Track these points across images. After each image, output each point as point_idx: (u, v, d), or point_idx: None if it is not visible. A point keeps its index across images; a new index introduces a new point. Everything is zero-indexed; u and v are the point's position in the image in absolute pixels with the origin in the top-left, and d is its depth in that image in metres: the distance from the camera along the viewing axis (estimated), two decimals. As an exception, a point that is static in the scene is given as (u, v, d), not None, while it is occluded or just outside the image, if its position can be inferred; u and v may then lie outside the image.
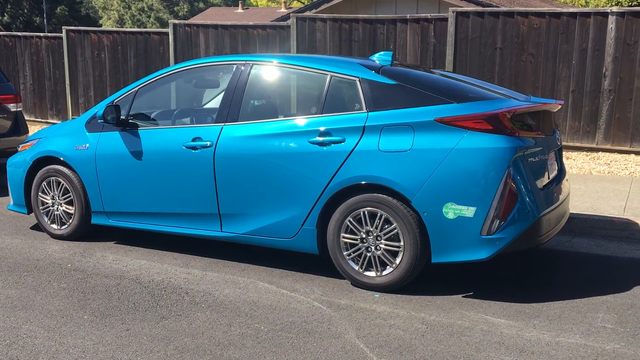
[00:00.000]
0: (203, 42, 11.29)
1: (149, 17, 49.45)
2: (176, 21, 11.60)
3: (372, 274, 4.30)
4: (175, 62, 11.52)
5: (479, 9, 9.16)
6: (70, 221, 5.56)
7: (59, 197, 5.58)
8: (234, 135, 4.70)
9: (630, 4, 24.10)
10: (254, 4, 50.90)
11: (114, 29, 12.58)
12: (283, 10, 37.95)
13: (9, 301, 4.19)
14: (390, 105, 4.26)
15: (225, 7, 42.94)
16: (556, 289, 4.39)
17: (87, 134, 5.40)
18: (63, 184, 5.53)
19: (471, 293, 4.28)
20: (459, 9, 9.09)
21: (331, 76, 4.52)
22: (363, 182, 4.23)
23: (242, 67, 4.86)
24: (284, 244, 4.62)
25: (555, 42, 8.62)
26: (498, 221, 3.96)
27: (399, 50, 9.58)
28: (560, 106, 4.69)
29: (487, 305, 4.05)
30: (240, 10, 38.87)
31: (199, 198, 4.87)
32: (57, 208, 5.62)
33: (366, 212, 4.26)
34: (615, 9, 8.31)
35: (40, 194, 5.68)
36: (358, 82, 4.41)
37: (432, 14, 9.46)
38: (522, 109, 4.14)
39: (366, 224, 4.27)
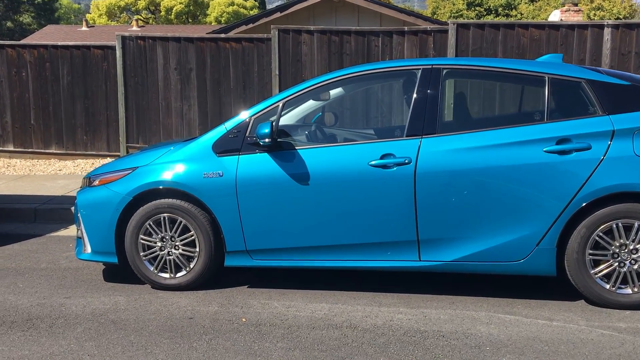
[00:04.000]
0: (161, 56, 10.09)
1: (-56, 38, 43.81)
2: (126, 33, 10.25)
3: (628, 290, 3.97)
4: (125, 80, 10.18)
5: (480, 21, 9.26)
6: (192, 266, 4.50)
7: (173, 238, 4.50)
8: (439, 149, 4.11)
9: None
10: (91, 22, 47.53)
11: (41, 42, 10.81)
12: (135, 28, 35.79)
13: (251, 375, 3.21)
14: (634, 107, 3.99)
15: (67, 25, 39.44)
16: None
17: (219, 158, 4.42)
18: (181, 222, 4.46)
19: None
20: (459, 21, 9.10)
21: (550, 78, 4.15)
22: (619, 191, 3.89)
23: (431, 73, 4.28)
24: (510, 268, 4.11)
25: (555, 52, 8.95)
26: None
27: (396, 63, 9.32)
28: None
29: None
30: (85, 28, 35.99)
31: (391, 224, 4.18)
32: (170, 252, 4.52)
33: (620, 224, 3.92)
34: (610, 21, 8.87)
35: (142, 236, 4.53)
36: (585, 84, 4.09)
37: (431, 26, 9.37)
38: None
39: (619, 237, 3.93)
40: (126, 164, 4.69)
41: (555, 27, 8.97)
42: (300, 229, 4.31)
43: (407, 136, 4.20)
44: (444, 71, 4.28)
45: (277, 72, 9.63)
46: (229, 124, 4.51)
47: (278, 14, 13.00)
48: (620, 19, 30.47)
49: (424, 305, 4.15)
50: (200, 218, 4.44)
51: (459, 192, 4.07)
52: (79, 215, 4.69)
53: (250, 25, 13.19)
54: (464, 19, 39.11)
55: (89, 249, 4.69)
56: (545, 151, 3.97)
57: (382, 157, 4.16)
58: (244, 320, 3.96)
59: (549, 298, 4.23)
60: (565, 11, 20.12)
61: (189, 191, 4.41)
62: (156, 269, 4.56)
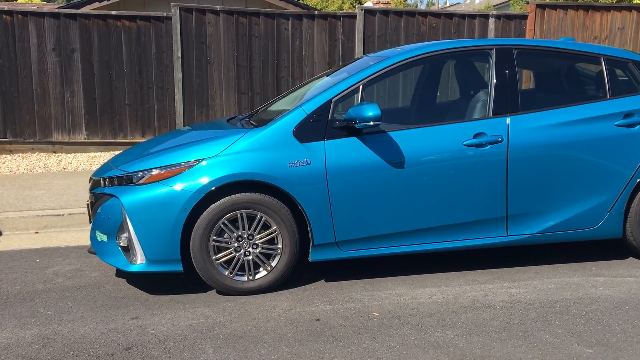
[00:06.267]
0: (35, 35, 8.65)
1: None
2: (-14, 7, 8.57)
3: (682, 244, 4.55)
4: (-14, 63, 8.55)
5: (385, 8, 9.51)
6: (275, 264, 4.08)
7: (251, 236, 4.02)
8: (527, 127, 4.27)
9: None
10: None
11: None
12: None
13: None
14: (673, 85, 4.57)
15: None
16: None
17: (303, 144, 4.05)
18: (262, 218, 4.01)
19: None
20: (367, 7, 9.28)
21: (605, 58, 4.54)
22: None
23: (505, 52, 4.39)
24: (585, 235, 4.44)
25: (450, 38, 9.64)
26: None
27: (306, 47, 9.22)
28: None
29: None
30: None
31: (483, 202, 4.25)
32: (248, 252, 4.04)
33: (675, 185, 4.46)
34: (494, 12, 9.80)
35: (213, 237, 3.98)
36: (632, 64, 4.57)
37: (340, 11, 9.41)
38: None
39: (675, 198, 4.48)
40: (183, 155, 4.04)
41: (449, 16, 9.65)
42: (393, 215, 4.16)
43: (493, 115, 4.28)
44: (515, 51, 4.43)
45: (180, 55, 8.90)
46: (308, 107, 4.14)
47: (138, -9, 11.93)
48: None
49: (519, 278, 4.30)
50: (283, 212, 4.02)
51: (544, 167, 4.28)
52: (127, 220, 3.93)
53: (105, 3, 11.89)
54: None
55: (141, 259, 3.97)
56: (616, 125, 4.37)
57: (475, 136, 4.19)
58: (376, 314, 3.72)
59: (603, 259, 4.66)
60: (377, 3, 21.61)
61: (273, 183, 3.97)
62: (231, 273, 4.04)
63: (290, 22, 9.15)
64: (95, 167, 8.16)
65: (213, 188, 3.91)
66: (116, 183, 4.12)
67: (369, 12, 9.31)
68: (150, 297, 4.08)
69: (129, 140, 9.03)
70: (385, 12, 9.39)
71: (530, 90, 4.64)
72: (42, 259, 5.00)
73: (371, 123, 3.94)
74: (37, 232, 5.88)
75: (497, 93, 4.32)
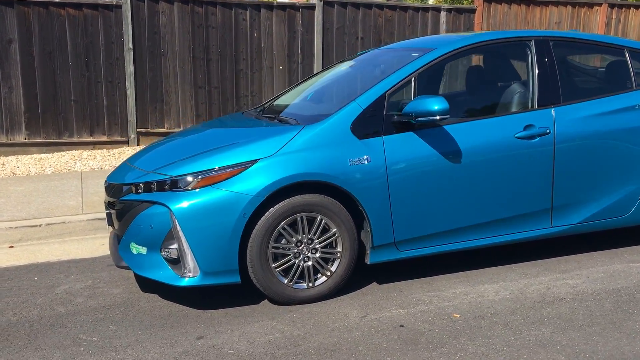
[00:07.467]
0: (-36, 24, 7.69)
1: None
2: None
3: (696, 228, 4.76)
4: None
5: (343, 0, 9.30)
6: (335, 269, 3.84)
7: (311, 240, 3.75)
8: (570, 118, 4.29)
9: None
10: None
11: None
12: None
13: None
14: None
15: None
16: None
17: (362, 141, 3.82)
18: (322, 220, 3.75)
19: None
20: (325, -2, 9.06)
21: (629, 50, 4.65)
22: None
23: (543, 43, 4.38)
24: (618, 222, 4.54)
25: (404, 32, 9.65)
26: None
27: (265, 38, 8.86)
28: None
29: None
30: None
31: (533, 194, 4.23)
32: (307, 257, 3.77)
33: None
34: (445, 6, 9.92)
35: (273, 243, 3.67)
36: (651, 56, 4.72)
37: (299, 2, 9.12)
38: None
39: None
40: (236, 156, 3.67)
41: (404, 9, 9.66)
42: (450, 211, 4.04)
43: (539, 106, 4.26)
44: (551, 42, 4.44)
45: (131, 46, 8.27)
46: (362, 101, 3.91)
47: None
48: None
49: (565, 268, 4.33)
50: (343, 213, 3.79)
51: (586, 157, 4.32)
52: (178, 229, 3.53)
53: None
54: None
55: (194, 272, 3.59)
56: (646, 115, 4.50)
57: (525, 129, 4.15)
58: (456, 316, 3.58)
59: (626, 245, 4.80)
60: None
61: (336, 183, 3.71)
62: (290, 281, 3.75)
63: (248, 12, 8.76)
64: (48, 170, 7.40)
65: (275, 190, 3.59)
66: (155, 189, 3.69)
67: (327, 4, 9.11)
68: (201, 313, 3.70)
69: (75, 139, 8.28)
70: (343, 4, 9.23)
71: (567, 81, 4.65)
72: (39, 277, 4.42)
73: (437, 117, 3.79)
74: (12, 247, 5.20)
75: (540, 84, 4.30)
